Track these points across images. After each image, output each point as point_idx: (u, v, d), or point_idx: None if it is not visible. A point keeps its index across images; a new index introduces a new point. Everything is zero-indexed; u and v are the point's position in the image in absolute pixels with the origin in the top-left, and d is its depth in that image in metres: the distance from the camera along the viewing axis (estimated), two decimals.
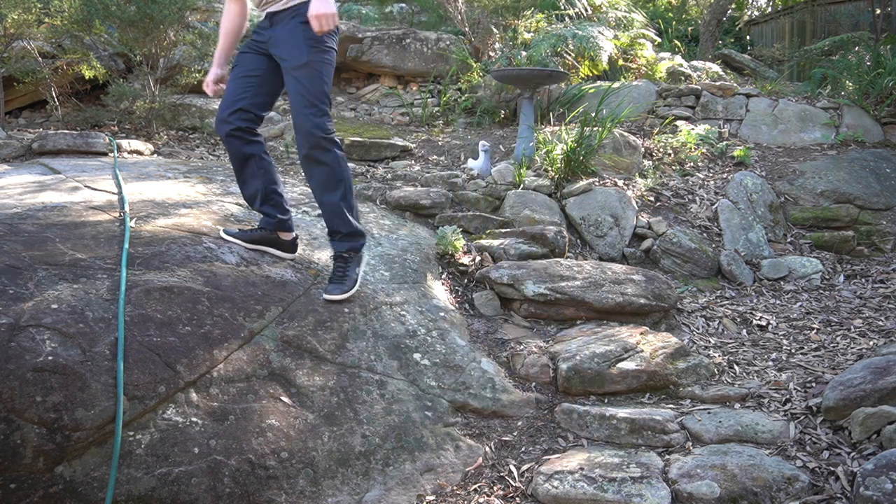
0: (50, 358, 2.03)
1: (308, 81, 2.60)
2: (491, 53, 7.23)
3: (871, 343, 3.20)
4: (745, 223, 4.66)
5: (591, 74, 6.65)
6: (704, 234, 4.55)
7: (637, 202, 4.59)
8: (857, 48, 7.19)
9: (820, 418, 2.49)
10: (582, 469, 2.26)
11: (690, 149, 5.41)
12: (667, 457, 2.36)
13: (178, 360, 2.23)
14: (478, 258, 3.73)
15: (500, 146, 5.59)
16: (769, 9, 12.76)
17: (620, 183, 4.74)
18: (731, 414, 2.59)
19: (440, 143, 5.82)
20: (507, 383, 2.83)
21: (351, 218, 2.78)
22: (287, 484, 2.12)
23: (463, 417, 2.62)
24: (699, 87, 6.25)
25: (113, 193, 3.41)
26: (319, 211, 2.97)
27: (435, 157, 5.54)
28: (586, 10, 7.22)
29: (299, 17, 2.59)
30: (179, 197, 3.50)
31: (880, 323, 3.47)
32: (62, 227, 2.80)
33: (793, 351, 3.24)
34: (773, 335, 3.46)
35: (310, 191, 4.12)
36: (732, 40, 10.91)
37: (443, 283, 3.47)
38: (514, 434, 2.60)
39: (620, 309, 3.34)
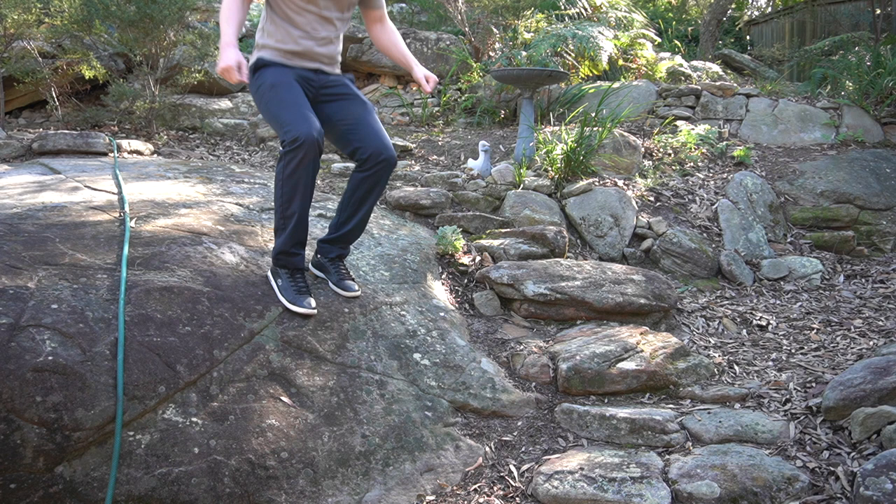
0: (50, 358, 2.03)
1: None
2: (491, 53, 7.24)
3: (871, 343, 3.20)
4: (745, 223, 4.66)
5: (591, 74, 6.65)
6: (704, 234, 4.55)
7: (637, 202, 4.60)
8: (857, 48, 7.19)
9: (820, 418, 2.49)
10: (582, 469, 2.26)
11: (690, 149, 5.41)
12: (667, 457, 2.36)
13: (178, 360, 2.23)
14: (478, 258, 3.73)
15: (500, 146, 5.59)
16: (769, 9, 12.77)
17: (620, 183, 4.74)
18: (731, 414, 2.59)
19: (440, 143, 5.82)
20: (507, 383, 2.83)
21: None
22: (287, 484, 2.12)
23: (463, 417, 2.63)
24: (699, 87, 6.25)
25: (113, 193, 3.41)
26: (335, 220, 2.92)
27: (435, 157, 5.54)
28: (586, 10, 7.22)
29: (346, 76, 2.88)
30: (179, 197, 3.50)
31: (880, 323, 3.47)
32: (62, 227, 2.80)
33: (793, 351, 3.24)
34: (773, 335, 3.47)
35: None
36: (732, 40, 10.91)
37: (443, 283, 3.47)
38: (514, 434, 2.60)
39: (620, 309, 3.34)
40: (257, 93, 2.66)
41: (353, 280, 2.94)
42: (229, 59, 2.48)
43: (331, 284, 2.90)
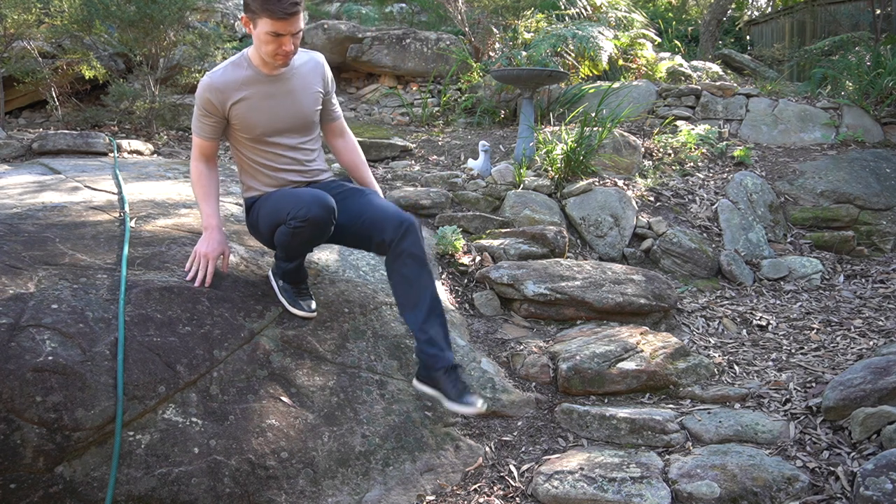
0: (50, 358, 2.03)
1: None
2: (491, 53, 7.24)
3: (871, 343, 3.20)
4: (745, 223, 4.66)
5: (591, 74, 6.65)
6: (704, 234, 4.55)
7: (637, 202, 4.59)
8: (857, 48, 7.18)
9: (820, 418, 2.49)
10: (582, 469, 2.26)
11: (690, 149, 5.41)
12: (667, 457, 2.36)
13: (178, 360, 2.23)
14: (478, 258, 3.73)
15: (500, 146, 5.59)
16: (769, 9, 12.77)
17: (620, 183, 4.74)
18: (731, 414, 2.59)
19: (440, 143, 5.82)
20: (507, 383, 2.83)
21: None
22: (287, 484, 2.12)
23: (463, 417, 2.63)
24: (699, 87, 6.24)
25: (113, 193, 3.41)
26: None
27: (435, 157, 5.54)
28: (586, 10, 7.22)
29: None
30: (179, 197, 3.50)
31: (880, 323, 3.47)
32: (62, 227, 2.80)
33: (793, 351, 3.24)
34: (773, 335, 3.47)
35: None
36: (732, 40, 10.91)
37: (443, 283, 3.47)
38: (514, 434, 2.60)
39: (620, 309, 3.34)
40: (257, 217, 2.54)
41: (474, 394, 2.29)
42: (219, 242, 2.36)
43: (447, 403, 2.25)
